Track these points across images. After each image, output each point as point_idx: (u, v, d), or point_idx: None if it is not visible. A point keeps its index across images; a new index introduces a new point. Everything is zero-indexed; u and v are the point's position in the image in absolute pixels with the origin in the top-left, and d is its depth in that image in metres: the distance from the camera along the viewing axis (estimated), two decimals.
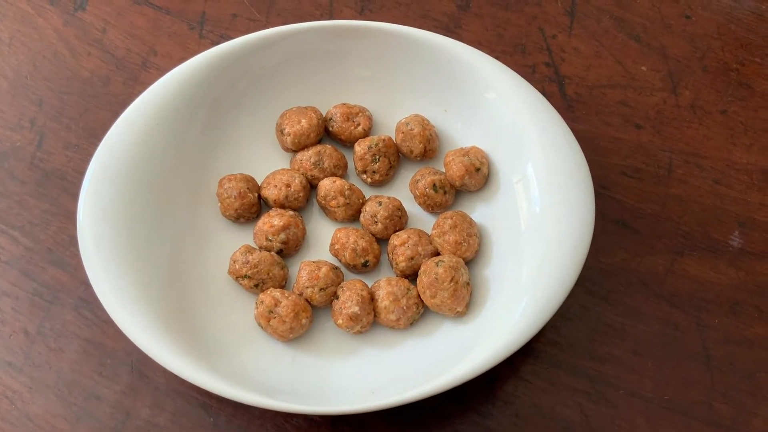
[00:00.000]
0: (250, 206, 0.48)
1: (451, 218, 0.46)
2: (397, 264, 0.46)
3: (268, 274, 0.46)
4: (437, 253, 0.47)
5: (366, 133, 0.51)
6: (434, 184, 0.48)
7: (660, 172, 0.52)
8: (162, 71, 0.54)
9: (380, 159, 0.49)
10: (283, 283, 0.47)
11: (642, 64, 0.56)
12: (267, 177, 0.49)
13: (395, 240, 0.47)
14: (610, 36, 0.57)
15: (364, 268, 0.47)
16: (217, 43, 0.56)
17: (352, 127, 0.50)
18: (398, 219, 0.48)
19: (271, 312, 0.44)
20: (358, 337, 0.46)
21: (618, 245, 0.49)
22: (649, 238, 0.50)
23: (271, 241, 0.47)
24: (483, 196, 0.49)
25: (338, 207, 0.48)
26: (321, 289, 0.45)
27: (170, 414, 0.45)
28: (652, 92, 0.55)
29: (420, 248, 0.46)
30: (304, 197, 0.49)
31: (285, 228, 0.47)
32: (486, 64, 0.48)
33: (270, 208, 0.49)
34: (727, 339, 0.47)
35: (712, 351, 0.47)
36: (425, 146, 0.49)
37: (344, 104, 0.51)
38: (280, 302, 0.44)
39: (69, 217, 0.50)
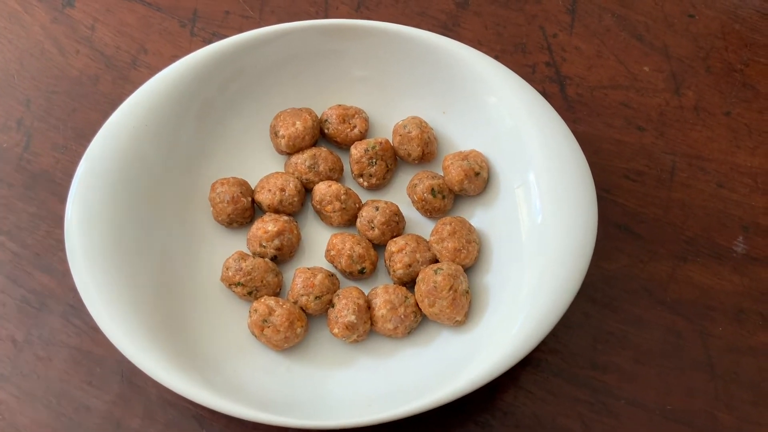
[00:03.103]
0: (244, 211, 0.47)
1: (450, 224, 0.45)
2: (394, 271, 0.45)
3: (261, 281, 0.45)
4: (436, 260, 0.46)
5: (362, 136, 0.49)
6: (432, 189, 0.47)
7: (663, 175, 0.51)
8: (152, 70, 0.53)
9: (377, 162, 0.48)
10: (277, 291, 0.45)
11: (644, 65, 0.55)
12: (261, 181, 0.48)
13: (393, 246, 0.46)
14: (612, 35, 0.56)
15: (361, 275, 0.46)
16: (209, 40, 0.55)
17: (348, 130, 0.49)
18: (396, 224, 0.47)
19: (265, 321, 0.43)
20: (355, 347, 0.45)
21: (620, 250, 0.48)
22: (652, 243, 0.49)
23: (264, 247, 0.46)
24: (482, 201, 0.48)
25: (334, 212, 0.47)
26: (316, 297, 0.44)
27: (162, 425, 0.44)
28: (655, 93, 0.54)
29: (418, 255, 0.45)
30: (299, 202, 0.48)
31: (279, 234, 0.46)
32: (486, 65, 0.47)
33: (264, 212, 0.48)
34: (731, 347, 0.46)
35: (715, 360, 0.46)
36: (423, 149, 0.48)
37: (340, 106, 0.50)
38: (275, 311, 0.43)
39: (57, 221, 0.49)
